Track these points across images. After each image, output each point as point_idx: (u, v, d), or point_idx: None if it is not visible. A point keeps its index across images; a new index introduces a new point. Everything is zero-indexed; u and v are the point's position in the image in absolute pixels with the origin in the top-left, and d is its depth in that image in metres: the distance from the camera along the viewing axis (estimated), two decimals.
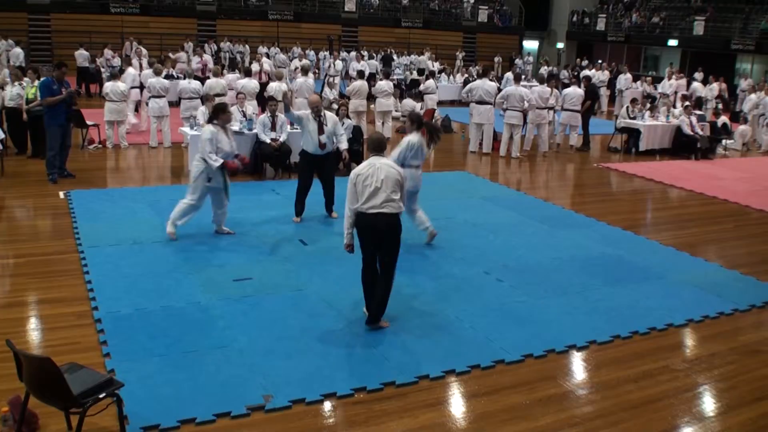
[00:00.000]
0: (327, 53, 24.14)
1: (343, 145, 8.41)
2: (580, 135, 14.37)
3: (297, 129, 10.43)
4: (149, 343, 4.95)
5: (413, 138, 7.02)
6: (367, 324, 5.36)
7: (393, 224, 5.23)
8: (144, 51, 19.15)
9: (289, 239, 7.41)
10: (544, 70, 23.83)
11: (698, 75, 22.81)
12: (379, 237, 5.21)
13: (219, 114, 7.09)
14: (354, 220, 5.26)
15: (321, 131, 7.86)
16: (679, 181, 11.67)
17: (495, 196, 9.91)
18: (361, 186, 5.18)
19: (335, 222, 8.18)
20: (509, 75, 20.82)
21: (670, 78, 20.01)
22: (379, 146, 5.44)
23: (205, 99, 11.27)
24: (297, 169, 8.77)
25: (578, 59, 29.45)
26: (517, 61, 27.59)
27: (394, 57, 24.80)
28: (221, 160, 6.97)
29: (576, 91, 13.72)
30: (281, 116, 10.20)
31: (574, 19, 32.99)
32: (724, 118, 15.35)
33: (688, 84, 20.40)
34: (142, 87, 14.09)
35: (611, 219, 8.92)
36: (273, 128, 10.08)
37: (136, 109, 14.53)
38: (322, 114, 7.95)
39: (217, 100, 11.80)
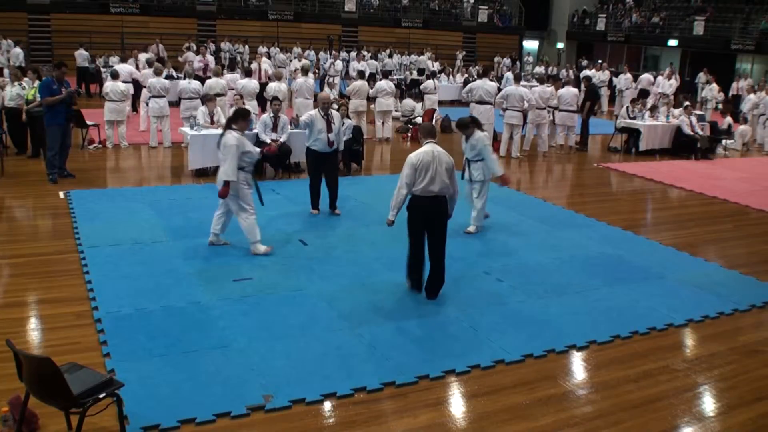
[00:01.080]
0: (327, 54, 24.13)
1: (340, 147, 8.56)
2: (577, 135, 14.38)
3: (297, 129, 10.46)
4: (149, 343, 4.95)
5: (483, 134, 7.61)
6: (429, 298, 5.98)
7: (444, 206, 5.89)
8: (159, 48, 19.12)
9: (289, 239, 7.41)
10: (539, 69, 23.84)
11: (702, 76, 22.78)
12: (432, 217, 5.82)
13: (239, 120, 6.83)
14: (404, 201, 5.84)
15: (330, 129, 8.08)
16: (679, 181, 11.67)
17: (495, 196, 9.88)
18: (423, 171, 5.69)
19: (336, 222, 8.19)
20: (509, 75, 20.85)
21: (670, 78, 20.00)
22: (433, 133, 6.07)
23: (205, 99, 11.27)
24: (306, 168, 8.96)
25: (578, 59, 29.46)
26: (505, 59, 27.63)
27: (383, 58, 24.66)
28: (233, 178, 6.57)
29: (569, 92, 13.71)
30: (284, 117, 10.20)
31: (575, 19, 32.96)
32: (729, 120, 15.34)
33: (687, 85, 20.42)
34: (138, 87, 14.13)
35: (611, 219, 8.92)
36: (275, 129, 10.08)
37: (135, 109, 14.57)
38: (330, 112, 8.15)
39: (218, 100, 11.84)
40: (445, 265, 6.00)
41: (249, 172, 6.84)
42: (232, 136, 6.66)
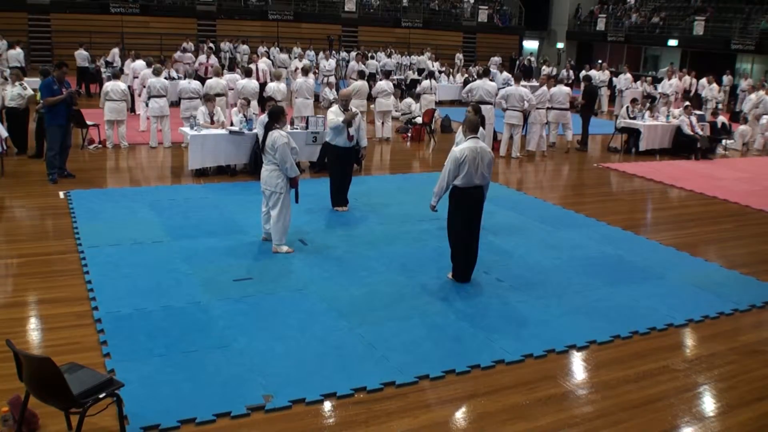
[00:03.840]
0: (325, 53, 24.08)
1: (363, 142, 8.94)
2: (577, 135, 14.38)
3: (297, 129, 10.48)
4: (149, 343, 4.95)
5: (483, 131, 7.89)
6: (464, 281, 6.41)
7: (483, 194, 6.33)
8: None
9: (290, 239, 7.40)
10: (547, 70, 23.83)
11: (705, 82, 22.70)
12: (475, 206, 6.28)
13: (279, 118, 6.89)
14: (446, 191, 6.23)
15: (350, 124, 8.47)
16: (679, 181, 11.67)
17: (495, 196, 9.88)
18: (467, 165, 6.04)
19: (335, 222, 8.19)
20: (506, 75, 20.84)
21: (670, 78, 20.00)
22: (476, 128, 6.37)
23: (205, 99, 11.26)
24: (327, 165, 9.35)
25: (567, 60, 29.45)
26: (495, 58, 27.69)
27: (380, 58, 24.66)
28: (298, 172, 6.89)
29: (561, 90, 13.79)
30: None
31: (582, 18, 32.85)
32: (722, 118, 15.35)
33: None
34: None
35: (611, 219, 8.92)
36: None
37: (134, 110, 14.61)
38: (350, 108, 8.55)
39: (218, 100, 11.84)
40: (451, 261, 6.51)
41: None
42: (280, 135, 6.75)
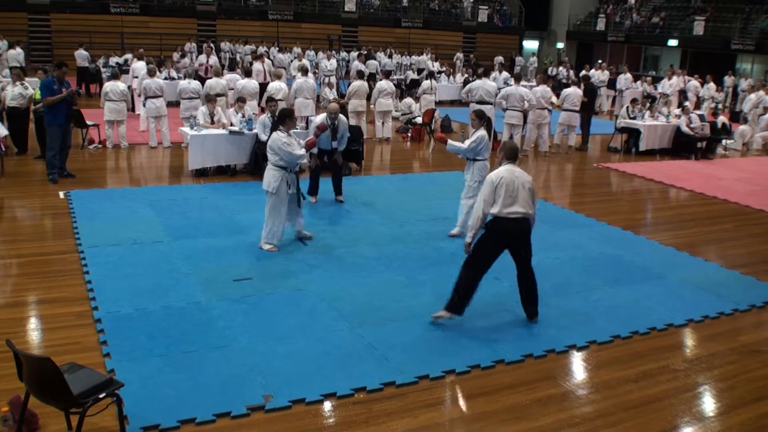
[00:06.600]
0: (323, 53, 24.08)
1: (341, 147, 8.99)
2: (578, 135, 14.37)
3: (297, 129, 10.46)
4: (149, 343, 4.95)
5: (482, 132, 7.49)
6: (531, 319, 5.63)
7: (529, 227, 5.48)
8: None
9: (290, 239, 7.41)
10: (563, 70, 23.87)
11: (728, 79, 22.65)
12: (516, 239, 5.46)
13: (285, 120, 6.92)
14: (483, 222, 5.41)
15: (334, 137, 8.69)
16: (679, 181, 11.67)
17: None
18: (502, 190, 5.36)
19: (336, 222, 8.19)
20: (506, 75, 20.83)
21: (670, 78, 19.99)
22: (515, 155, 5.76)
23: (206, 99, 11.25)
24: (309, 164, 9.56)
25: (556, 61, 29.47)
26: (496, 58, 27.74)
27: (380, 58, 24.71)
28: (303, 150, 6.93)
29: (576, 92, 13.74)
30: None
31: (584, 18, 32.82)
32: (722, 118, 15.35)
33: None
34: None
35: (611, 219, 8.92)
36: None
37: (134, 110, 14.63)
38: (336, 121, 8.62)
39: (218, 100, 11.83)
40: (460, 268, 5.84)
41: (293, 172, 6.99)
42: (279, 137, 6.82)
